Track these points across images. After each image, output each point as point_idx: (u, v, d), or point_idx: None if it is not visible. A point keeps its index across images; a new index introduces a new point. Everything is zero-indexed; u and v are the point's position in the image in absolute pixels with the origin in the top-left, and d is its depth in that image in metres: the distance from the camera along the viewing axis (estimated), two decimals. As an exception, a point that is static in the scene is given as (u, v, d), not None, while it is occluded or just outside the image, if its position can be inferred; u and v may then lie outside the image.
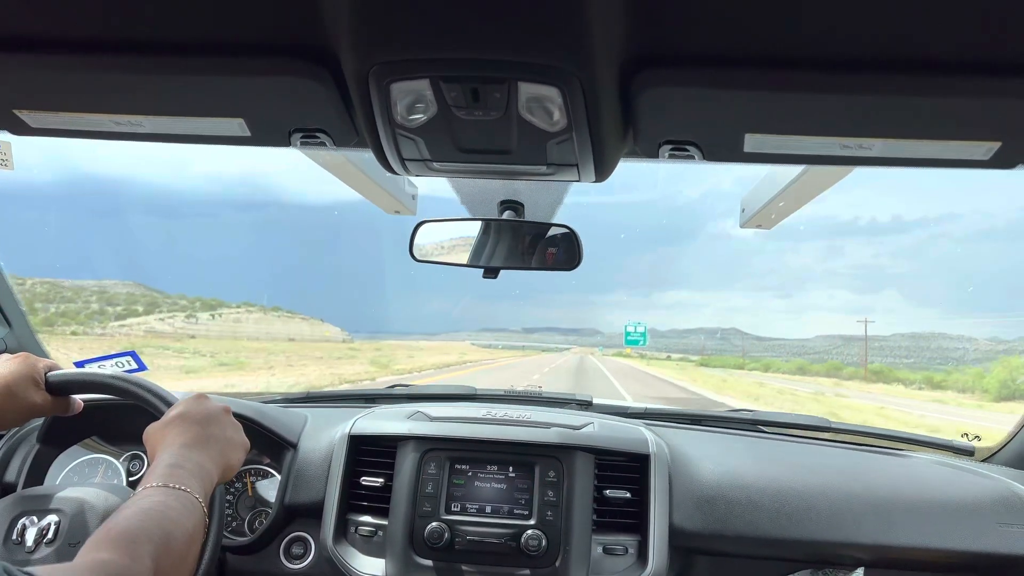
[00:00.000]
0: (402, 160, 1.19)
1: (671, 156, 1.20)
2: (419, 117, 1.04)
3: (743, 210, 2.75)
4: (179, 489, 0.95)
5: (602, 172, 1.20)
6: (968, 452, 1.73)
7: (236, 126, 1.16)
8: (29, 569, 0.63)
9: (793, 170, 2.19)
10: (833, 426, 1.81)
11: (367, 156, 2.46)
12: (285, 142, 1.20)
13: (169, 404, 1.19)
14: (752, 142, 1.12)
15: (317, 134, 1.17)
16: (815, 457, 1.62)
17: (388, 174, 2.61)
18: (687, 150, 1.16)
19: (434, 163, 1.19)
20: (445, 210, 1.55)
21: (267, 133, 1.19)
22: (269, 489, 1.58)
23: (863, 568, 1.45)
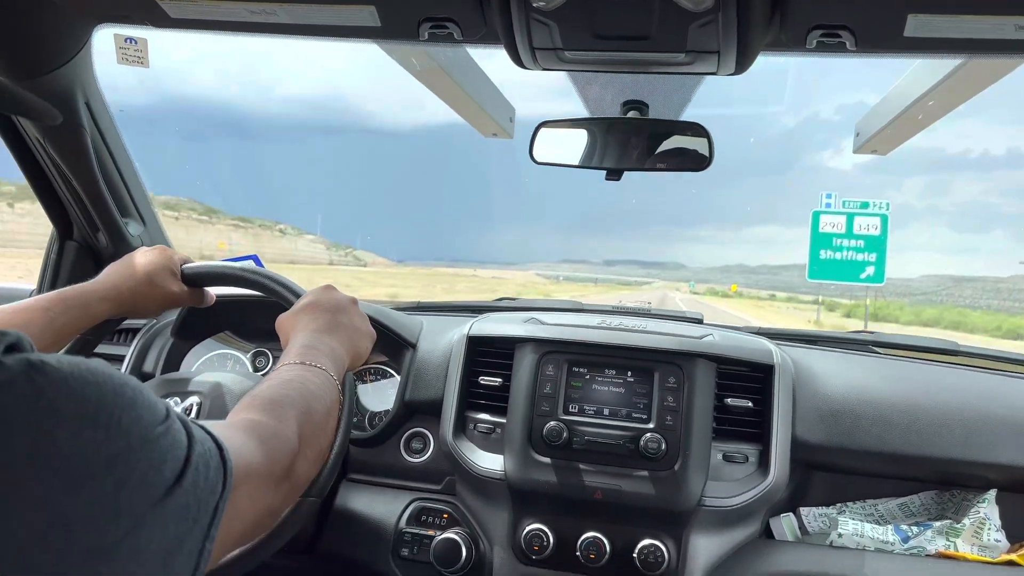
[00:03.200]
0: (533, 50, 1.15)
1: (819, 45, 1.12)
2: None
3: (858, 134, 2.59)
4: (315, 366, 0.98)
5: (743, 61, 1.14)
6: (1117, 380, 1.61)
7: (367, 15, 1.15)
8: (194, 420, 0.66)
9: (920, 87, 2.04)
10: (963, 349, 1.71)
11: (470, 74, 2.43)
12: (414, 34, 1.19)
13: (298, 295, 1.22)
14: (915, 24, 1.03)
15: (446, 24, 1.15)
16: (948, 378, 1.55)
17: (488, 93, 2.57)
18: (838, 36, 1.08)
19: (566, 52, 1.15)
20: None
21: (397, 23, 1.18)
22: (388, 388, 1.63)
23: (995, 490, 1.39)
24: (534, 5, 1.02)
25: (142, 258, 1.26)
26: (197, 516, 0.60)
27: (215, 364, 1.72)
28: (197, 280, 1.32)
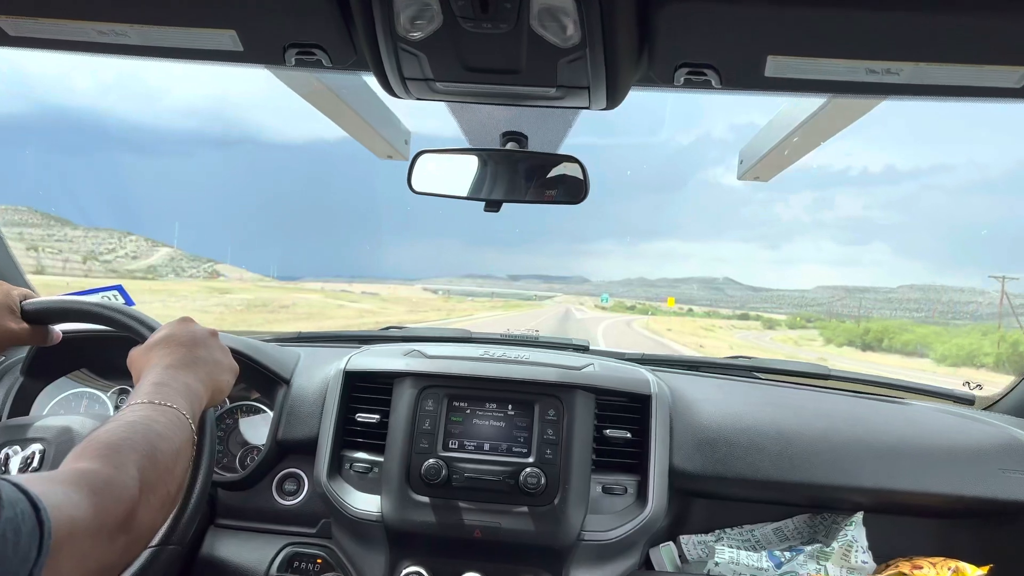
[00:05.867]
0: (403, 80, 1.12)
1: (686, 82, 1.14)
2: (423, 30, 0.98)
3: (741, 162, 2.69)
4: (165, 405, 0.91)
5: (613, 97, 1.15)
6: (968, 401, 1.72)
7: (228, 39, 1.09)
8: (7, 477, 0.59)
9: (794, 119, 2.13)
10: (833, 374, 1.79)
11: (363, 96, 2.38)
12: (279, 59, 1.13)
13: (152, 329, 1.14)
14: (774, 66, 1.07)
15: (313, 51, 1.11)
16: (817, 403, 1.60)
17: (382, 116, 2.52)
18: (704, 74, 1.10)
19: (437, 83, 1.12)
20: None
21: (260, 48, 1.12)
22: (260, 426, 1.55)
23: (862, 513, 1.44)
24: (401, 35, 0.99)
25: None
26: None
27: (72, 404, 1.59)
28: (39, 317, 1.20)
